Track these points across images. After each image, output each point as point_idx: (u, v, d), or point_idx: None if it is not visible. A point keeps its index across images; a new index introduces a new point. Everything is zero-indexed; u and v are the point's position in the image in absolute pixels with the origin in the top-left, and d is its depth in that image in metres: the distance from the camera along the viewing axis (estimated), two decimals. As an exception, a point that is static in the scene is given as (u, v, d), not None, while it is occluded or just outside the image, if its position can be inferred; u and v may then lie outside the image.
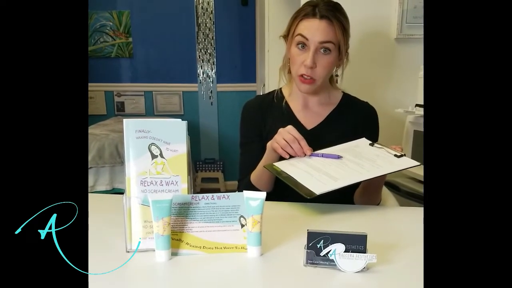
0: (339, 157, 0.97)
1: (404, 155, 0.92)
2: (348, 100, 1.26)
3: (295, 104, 1.24)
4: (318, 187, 0.88)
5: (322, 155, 1.00)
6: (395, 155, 0.92)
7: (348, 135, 1.18)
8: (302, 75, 1.13)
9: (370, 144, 1.01)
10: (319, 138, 1.18)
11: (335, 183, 0.89)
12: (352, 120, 1.22)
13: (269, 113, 1.25)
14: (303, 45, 1.12)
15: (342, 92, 1.28)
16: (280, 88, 1.30)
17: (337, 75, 1.25)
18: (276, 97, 1.27)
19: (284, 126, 1.22)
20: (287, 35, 1.19)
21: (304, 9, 1.13)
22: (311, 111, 1.23)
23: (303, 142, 1.00)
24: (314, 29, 1.09)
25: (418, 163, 0.89)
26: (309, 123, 1.22)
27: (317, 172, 0.94)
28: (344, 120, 1.22)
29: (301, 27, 1.12)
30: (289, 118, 1.23)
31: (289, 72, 1.24)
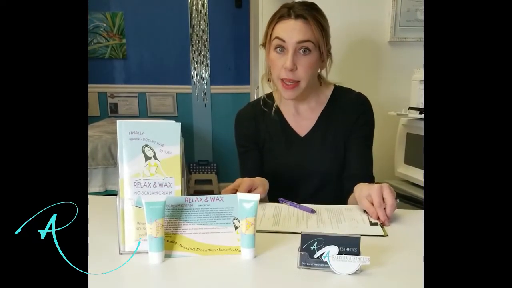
0: (312, 211, 0.94)
1: (380, 225, 0.87)
2: (337, 96, 1.20)
3: (287, 109, 1.21)
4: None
5: (299, 207, 0.97)
6: (370, 222, 0.87)
7: (341, 132, 1.17)
8: (283, 80, 1.08)
9: (364, 211, 0.96)
10: (313, 144, 1.17)
11: (270, 226, 0.86)
12: (343, 116, 1.18)
13: (262, 121, 1.22)
14: (282, 48, 1.07)
15: (334, 85, 1.22)
16: (271, 93, 1.26)
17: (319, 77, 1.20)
18: (267, 104, 1.23)
19: (278, 135, 1.20)
20: (265, 42, 1.14)
21: (279, 11, 1.09)
22: (302, 117, 1.20)
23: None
24: (290, 30, 1.05)
25: (383, 235, 0.83)
26: (302, 130, 1.19)
27: (273, 216, 0.92)
28: (334, 119, 1.18)
29: (277, 30, 1.07)
30: (282, 126, 1.20)
31: (269, 80, 1.19)
